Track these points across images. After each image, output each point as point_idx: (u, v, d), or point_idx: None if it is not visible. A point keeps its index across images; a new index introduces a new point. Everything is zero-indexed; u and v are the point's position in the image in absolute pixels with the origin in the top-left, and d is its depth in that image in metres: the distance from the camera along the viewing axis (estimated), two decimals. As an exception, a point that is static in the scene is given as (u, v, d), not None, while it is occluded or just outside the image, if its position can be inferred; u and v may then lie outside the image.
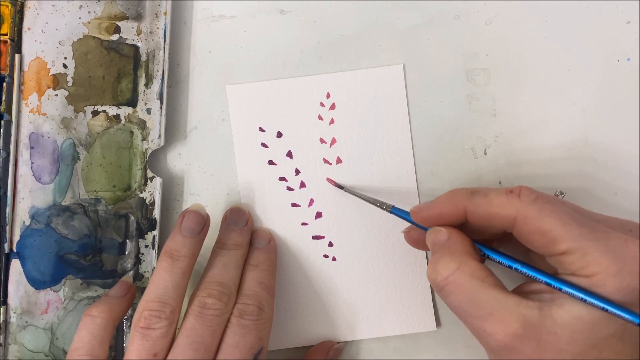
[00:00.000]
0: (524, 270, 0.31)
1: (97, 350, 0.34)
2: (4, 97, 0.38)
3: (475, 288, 0.30)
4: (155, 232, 0.38)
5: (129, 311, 0.38)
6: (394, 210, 0.36)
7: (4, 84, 0.38)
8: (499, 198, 0.31)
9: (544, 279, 0.30)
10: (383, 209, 0.36)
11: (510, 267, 0.32)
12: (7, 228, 0.38)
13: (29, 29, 0.39)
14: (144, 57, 0.39)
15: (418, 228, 0.35)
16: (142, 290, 0.38)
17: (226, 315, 0.34)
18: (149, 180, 0.39)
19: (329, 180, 0.39)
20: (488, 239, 0.35)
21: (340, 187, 0.39)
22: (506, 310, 0.29)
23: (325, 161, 0.39)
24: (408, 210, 0.35)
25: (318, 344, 0.39)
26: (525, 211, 0.30)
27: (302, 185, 0.39)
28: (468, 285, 0.30)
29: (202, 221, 0.36)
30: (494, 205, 0.31)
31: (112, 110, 0.39)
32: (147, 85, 0.39)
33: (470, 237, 0.33)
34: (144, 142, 0.39)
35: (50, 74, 0.39)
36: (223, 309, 0.33)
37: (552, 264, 0.31)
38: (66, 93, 0.39)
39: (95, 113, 0.39)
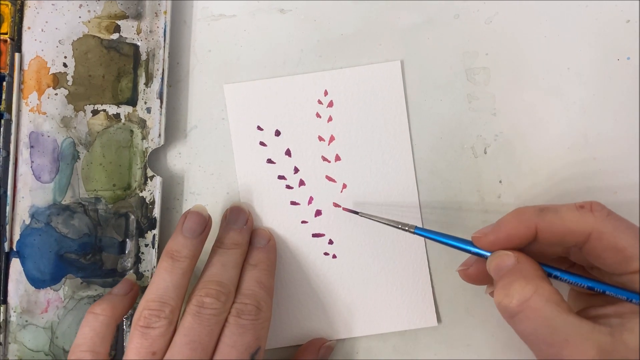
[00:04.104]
0: (612, 291, 0.30)
1: (99, 347, 0.34)
2: (4, 96, 0.38)
3: (552, 313, 0.29)
4: (155, 231, 0.38)
5: (129, 310, 0.38)
6: (417, 231, 0.35)
7: (4, 83, 0.38)
8: (570, 214, 0.31)
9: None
10: (406, 230, 0.35)
11: (592, 288, 0.31)
12: (7, 227, 0.38)
13: (29, 28, 0.39)
14: (144, 56, 0.39)
15: (476, 264, 0.34)
16: (142, 289, 0.38)
17: (224, 315, 0.34)
18: (149, 179, 0.39)
19: (344, 208, 0.39)
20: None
21: (356, 212, 0.38)
22: (582, 337, 0.28)
23: (324, 159, 0.39)
24: (433, 229, 0.34)
25: (308, 342, 0.39)
26: (600, 227, 0.30)
27: (302, 183, 0.39)
28: (545, 310, 0.29)
29: (204, 222, 0.36)
30: (566, 222, 0.31)
31: (112, 110, 0.39)
32: (147, 84, 0.39)
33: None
34: (144, 141, 0.39)
35: (50, 73, 0.39)
36: (221, 308, 0.33)
37: (621, 282, 0.30)
38: (66, 92, 0.39)
39: (95, 112, 0.39)
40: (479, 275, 0.34)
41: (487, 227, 0.33)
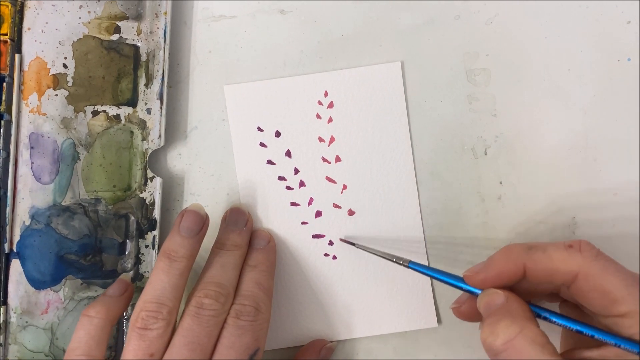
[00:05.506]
0: (600, 335, 0.30)
1: (94, 351, 0.34)
2: (4, 97, 0.38)
3: (535, 355, 0.29)
4: (156, 232, 0.38)
5: (130, 310, 0.38)
6: (411, 265, 0.35)
7: (4, 84, 0.38)
8: (558, 253, 0.31)
9: (627, 346, 0.29)
10: (400, 264, 0.36)
11: (581, 332, 0.31)
12: (7, 228, 0.38)
13: (29, 28, 0.39)
14: (144, 57, 0.39)
15: (468, 301, 0.34)
16: (141, 290, 0.38)
17: (223, 316, 0.34)
18: (149, 180, 0.39)
19: (341, 239, 0.39)
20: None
21: (352, 243, 0.38)
22: None
23: (324, 160, 0.39)
24: (427, 265, 0.35)
25: (309, 343, 0.39)
26: (587, 268, 0.30)
27: (302, 184, 0.39)
28: (529, 352, 0.29)
29: (201, 221, 0.36)
30: (554, 261, 0.31)
31: (112, 110, 0.39)
32: (147, 85, 0.39)
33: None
34: (144, 142, 0.39)
35: (50, 74, 0.39)
36: (220, 309, 0.33)
37: (607, 324, 0.31)
38: (66, 93, 0.39)
39: (95, 113, 0.39)
40: (471, 312, 0.34)
41: (477, 265, 0.33)
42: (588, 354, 0.31)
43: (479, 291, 0.33)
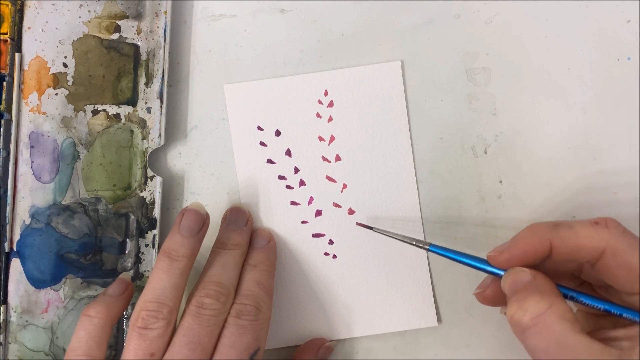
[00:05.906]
0: (629, 314, 0.30)
1: (94, 351, 0.34)
2: (4, 96, 0.38)
3: (565, 330, 0.28)
4: (156, 231, 0.38)
5: (130, 309, 0.38)
6: (432, 248, 0.35)
7: (4, 83, 0.38)
8: (585, 230, 0.31)
9: None
10: (420, 247, 0.35)
11: (608, 311, 0.31)
12: (7, 227, 0.38)
13: (29, 28, 0.39)
14: (144, 56, 0.39)
15: (492, 285, 0.34)
16: (141, 289, 0.38)
17: (224, 316, 0.34)
18: (149, 179, 0.39)
19: (358, 223, 0.39)
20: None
21: (370, 227, 0.38)
22: (591, 357, 0.28)
23: (324, 159, 0.39)
24: (447, 247, 0.34)
25: (307, 342, 0.39)
26: (615, 243, 0.30)
27: (302, 183, 0.39)
28: (558, 327, 0.28)
29: (201, 220, 0.36)
30: (581, 237, 0.31)
31: (112, 110, 0.39)
32: (147, 84, 0.39)
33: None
34: (144, 141, 0.39)
35: (50, 73, 0.39)
36: (220, 309, 0.33)
37: (632, 302, 0.30)
38: (66, 92, 0.39)
39: (95, 112, 0.39)
40: (495, 296, 0.34)
41: (501, 246, 0.33)
42: (613, 334, 0.30)
43: (502, 272, 0.32)
